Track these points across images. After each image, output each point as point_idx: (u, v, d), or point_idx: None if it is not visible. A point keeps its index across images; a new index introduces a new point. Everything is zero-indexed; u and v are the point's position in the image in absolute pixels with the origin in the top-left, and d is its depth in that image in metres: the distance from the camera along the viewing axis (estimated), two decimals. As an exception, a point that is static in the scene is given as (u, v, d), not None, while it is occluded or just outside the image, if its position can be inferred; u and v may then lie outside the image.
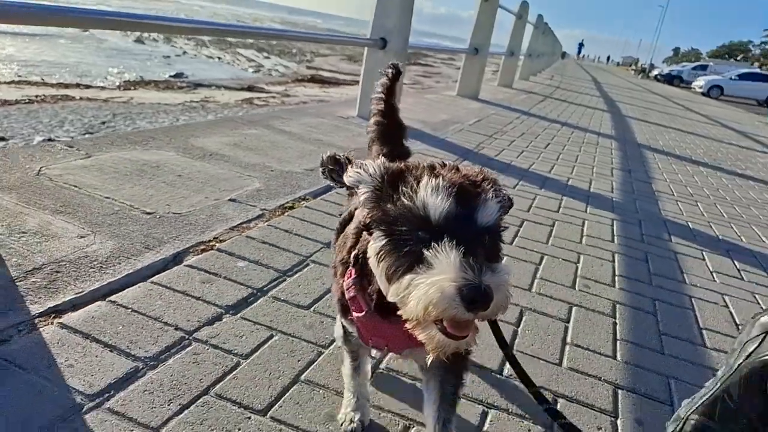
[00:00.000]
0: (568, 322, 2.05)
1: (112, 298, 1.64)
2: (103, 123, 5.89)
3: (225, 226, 2.25)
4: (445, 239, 0.79)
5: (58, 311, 1.53)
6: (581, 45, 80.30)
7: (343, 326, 1.21)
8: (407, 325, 0.83)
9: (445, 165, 0.93)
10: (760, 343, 1.26)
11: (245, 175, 2.92)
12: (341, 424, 1.29)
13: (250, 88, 10.52)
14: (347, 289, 1.06)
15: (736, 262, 3.09)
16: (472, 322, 0.80)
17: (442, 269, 0.76)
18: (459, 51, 8.70)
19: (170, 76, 10.72)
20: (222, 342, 1.53)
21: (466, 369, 1.15)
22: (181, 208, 2.33)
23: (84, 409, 1.22)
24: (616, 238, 3.13)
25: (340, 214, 1.33)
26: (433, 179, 0.85)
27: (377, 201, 0.90)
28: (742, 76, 31.76)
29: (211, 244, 2.08)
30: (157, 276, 1.80)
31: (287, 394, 1.39)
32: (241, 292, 1.80)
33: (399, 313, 0.83)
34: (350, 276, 1.05)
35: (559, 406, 1.55)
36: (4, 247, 1.78)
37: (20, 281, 1.62)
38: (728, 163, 6.86)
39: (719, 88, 30.93)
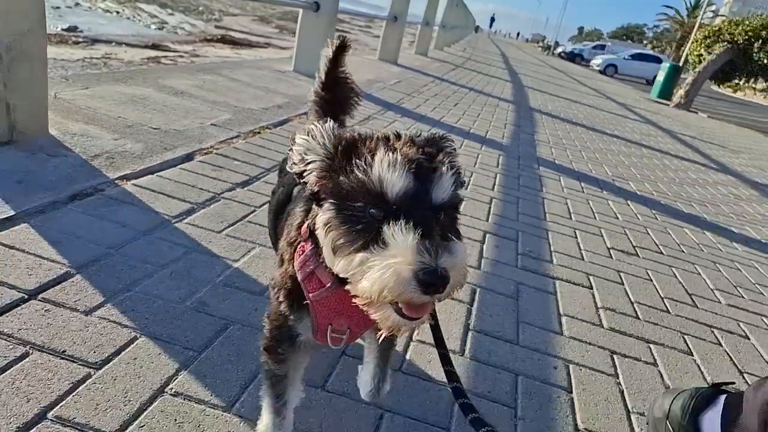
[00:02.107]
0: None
1: (159, 173, 2.48)
2: None
3: (215, 140, 3.10)
4: (402, 219, 0.79)
5: (126, 177, 2.35)
6: (492, 19, 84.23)
7: (288, 328, 1.08)
8: (357, 302, 0.83)
9: (399, 136, 0.92)
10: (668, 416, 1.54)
11: (215, 108, 3.73)
12: None
13: (154, 47, 9.97)
14: (302, 267, 0.99)
15: (582, 183, 4.43)
16: (429, 305, 0.81)
17: (398, 252, 0.76)
18: (380, 18, 9.65)
19: (63, 30, 9.59)
20: (241, 199, 2.44)
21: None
22: (177, 127, 3.13)
23: (173, 222, 2.10)
24: (499, 165, 4.34)
25: (273, 192, 1.41)
26: (390, 154, 0.83)
27: (328, 171, 0.88)
28: (634, 57, 35.70)
29: (209, 149, 2.94)
30: (181, 165, 2.64)
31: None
32: (242, 177, 2.70)
33: (347, 287, 0.84)
34: (302, 252, 1.00)
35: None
36: (65, 142, 2.52)
37: (91, 161, 2.41)
38: (602, 126, 8.51)
39: (614, 66, 34.59)
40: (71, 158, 2.40)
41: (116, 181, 2.30)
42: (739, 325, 2.52)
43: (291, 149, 0.93)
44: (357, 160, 0.84)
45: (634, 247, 3.23)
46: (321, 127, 0.90)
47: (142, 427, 1.21)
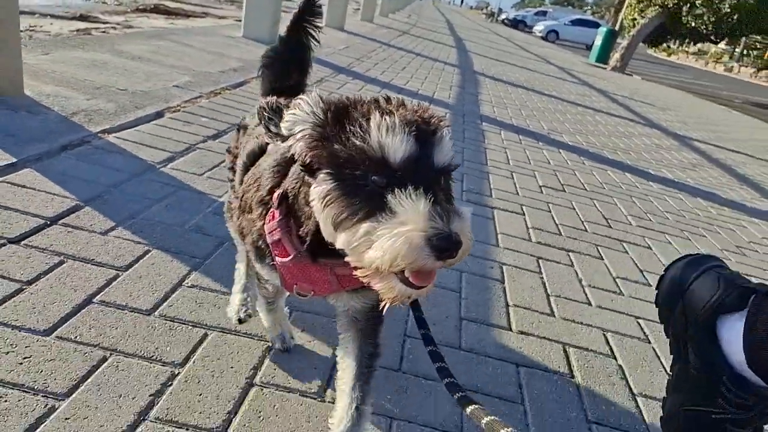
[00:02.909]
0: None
1: (136, 128, 2.74)
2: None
3: (180, 100, 3.35)
4: (409, 185, 0.77)
5: (107, 131, 2.61)
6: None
7: (257, 274, 1.19)
8: (357, 273, 0.82)
9: (389, 100, 0.89)
10: (684, 305, 1.28)
11: (174, 72, 3.95)
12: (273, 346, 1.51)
13: (83, 18, 9.46)
14: (270, 233, 1.01)
15: (520, 135, 4.94)
16: (435, 271, 0.80)
17: (409, 219, 0.75)
18: (323, -16, 9.77)
19: (-25, 1, 9.20)
20: (215, 149, 2.75)
21: (380, 334, 1.15)
22: (143, 89, 3.36)
23: (158, 167, 2.39)
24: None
25: (228, 151, 1.53)
26: (387, 117, 0.81)
27: (320, 139, 0.85)
28: (575, 22, 36.95)
29: (177, 108, 3.20)
30: (154, 121, 2.91)
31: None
32: (211, 131, 3.00)
33: (348, 259, 0.83)
34: (273, 218, 1.01)
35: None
36: (42, 102, 2.74)
37: (71, 118, 2.65)
38: (541, 87, 9.10)
39: (555, 32, 35.71)
40: (52, 115, 2.63)
41: (99, 135, 2.56)
42: (644, 240, 3.08)
43: (261, 114, 0.92)
44: (351, 126, 0.82)
45: (561, 184, 3.75)
46: (307, 98, 0.88)
47: (170, 306, 1.56)
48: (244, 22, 5.98)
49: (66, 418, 1.14)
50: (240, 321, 1.54)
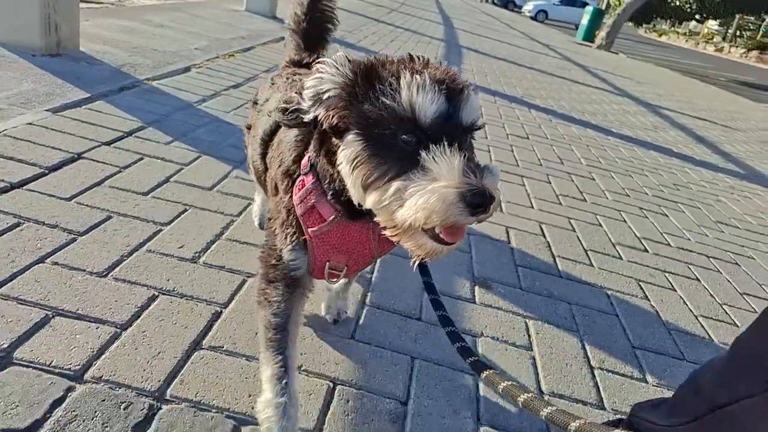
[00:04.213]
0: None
1: (172, 77, 3.38)
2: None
3: (202, 59, 3.99)
4: (442, 142, 0.79)
5: (151, 79, 3.25)
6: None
7: (283, 264, 1.07)
8: (387, 233, 0.84)
9: (413, 59, 0.91)
10: None
11: (193, 37, 4.58)
12: None
13: None
14: (302, 201, 1.00)
15: (495, 97, 5.62)
16: (465, 227, 0.81)
17: (443, 175, 0.76)
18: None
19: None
20: (236, 95, 3.40)
21: None
22: (171, 49, 3.99)
23: (195, 105, 3.05)
24: (430, 84, 5.42)
25: (248, 127, 1.56)
26: (417, 76, 0.82)
27: (349, 100, 0.85)
28: (563, 2, 37.33)
29: (200, 65, 3.84)
30: (184, 74, 3.55)
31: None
32: (232, 82, 3.64)
33: (377, 219, 0.85)
34: (302, 186, 1.00)
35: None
36: (95, 56, 3.36)
37: (120, 68, 3.28)
38: (522, 61, 9.74)
39: (545, 12, 36.11)
40: (105, 66, 3.27)
41: (144, 81, 3.20)
42: (590, 173, 3.78)
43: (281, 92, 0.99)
44: (380, 86, 0.83)
45: (527, 134, 4.44)
46: (333, 60, 0.88)
47: (225, 186, 2.24)
48: (246, -3, 6.59)
49: (130, 340, 1.81)
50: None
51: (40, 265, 1.51)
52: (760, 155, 6.31)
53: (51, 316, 1.35)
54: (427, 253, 0.83)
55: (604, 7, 22.05)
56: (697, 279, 2.51)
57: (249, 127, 1.56)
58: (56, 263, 1.53)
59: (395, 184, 0.79)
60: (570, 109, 6.11)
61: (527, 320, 1.85)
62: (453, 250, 0.84)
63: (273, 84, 1.50)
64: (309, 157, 1.01)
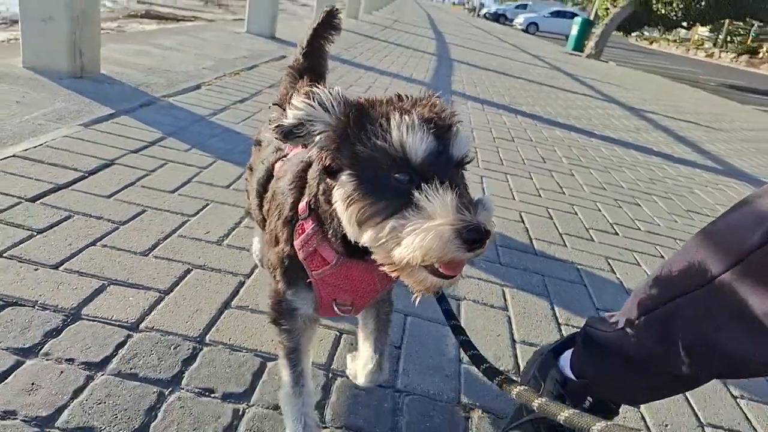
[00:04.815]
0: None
1: (185, 94, 3.71)
2: None
3: (210, 77, 4.33)
4: (433, 180, 0.81)
5: (166, 96, 3.58)
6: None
7: (288, 304, 1.14)
8: (386, 269, 0.85)
9: (402, 98, 0.94)
10: None
11: (200, 58, 4.93)
12: None
13: None
14: (304, 246, 1.03)
15: (483, 105, 5.96)
16: (464, 260, 0.82)
17: (438, 212, 0.78)
18: (311, -16, 10.76)
19: (-26, 12, 9.17)
20: (243, 108, 3.73)
21: (392, 293, 1.29)
22: (182, 69, 4.34)
23: (208, 118, 3.37)
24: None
25: (249, 168, 1.55)
26: (406, 116, 0.84)
27: (341, 141, 0.88)
28: (554, 14, 38.10)
29: (209, 82, 4.18)
30: (195, 91, 3.88)
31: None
32: (238, 98, 3.97)
33: (374, 257, 0.87)
34: (302, 232, 1.03)
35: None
36: (114, 77, 3.70)
37: (138, 87, 3.62)
38: (511, 72, 10.13)
39: (535, 24, 36.83)
40: (124, 86, 3.60)
41: (161, 98, 3.53)
42: (570, 170, 4.09)
43: (276, 119, 0.93)
44: (371, 127, 0.85)
45: (512, 137, 4.76)
46: (327, 92, 0.89)
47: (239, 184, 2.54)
48: (247, 20, 6.96)
49: (172, 301, 2.11)
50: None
51: (92, 247, 1.81)
52: (740, 153, 6.63)
53: (107, 284, 1.65)
54: (428, 288, 0.85)
55: (592, 18, 22.57)
56: (662, 257, 2.81)
57: (251, 168, 1.56)
58: (105, 245, 1.84)
59: (391, 223, 0.81)
60: (555, 114, 6.45)
61: (504, 288, 2.15)
62: (455, 283, 0.86)
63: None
64: (307, 201, 1.03)
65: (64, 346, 1.39)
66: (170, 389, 1.34)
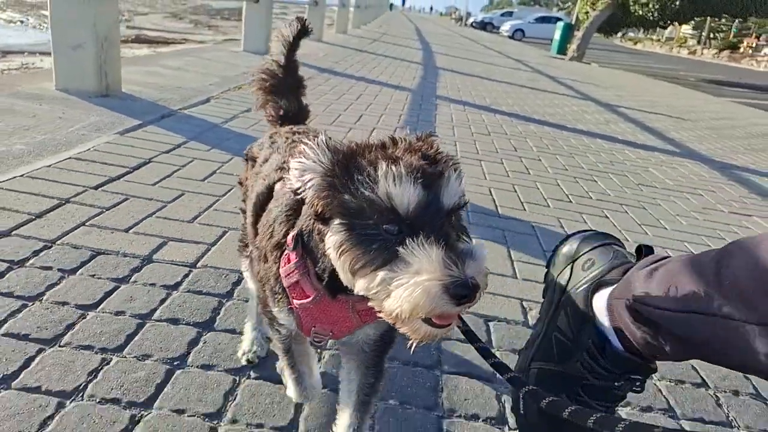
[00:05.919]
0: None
1: (198, 107, 4.30)
2: None
3: (217, 92, 4.93)
4: (421, 234, 0.80)
5: (182, 108, 4.16)
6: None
7: (273, 319, 1.17)
8: (383, 316, 0.85)
9: (395, 142, 0.94)
10: (571, 274, 1.32)
11: (206, 76, 5.54)
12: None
13: None
14: (286, 276, 1.04)
15: (465, 107, 6.57)
16: (455, 314, 0.83)
17: (424, 268, 0.78)
18: (302, 3, 11.44)
19: (-35, 45, 8.57)
20: (251, 117, 4.31)
21: (384, 360, 1.22)
22: (191, 86, 4.94)
23: (221, 125, 3.96)
24: (407, 100, 6.38)
25: (240, 183, 1.63)
26: (393, 167, 0.84)
27: (330, 189, 0.88)
28: (539, 20, 39.15)
29: (217, 96, 4.77)
30: (205, 104, 4.47)
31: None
32: (243, 108, 4.56)
33: (370, 304, 0.87)
34: (288, 261, 1.04)
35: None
36: (134, 94, 4.29)
37: (156, 102, 4.20)
38: (495, 76, 10.78)
39: (521, 31, 37.84)
40: (145, 102, 4.19)
41: (178, 110, 4.12)
42: (538, 156, 4.68)
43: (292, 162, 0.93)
44: (359, 176, 0.85)
45: (489, 132, 5.36)
46: (314, 144, 0.90)
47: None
48: (244, 39, 7.61)
49: (218, 250, 2.69)
50: (249, 362, 1.59)
51: (150, 218, 2.38)
52: (702, 138, 7.24)
53: (166, 241, 2.22)
54: (423, 337, 0.85)
55: (573, 22, 23.40)
56: (607, 217, 3.39)
57: (241, 183, 1.60)
58: (159, 217, 2.41)
59: (381, 274, 0.82)
60: (532, 112, 7.06)
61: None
62: (450, 330, 0.87)
63: (273, 143, 1.48)
64: (294, 235, 1.03)
65: (146, 277, 1.95)
66: (227, 300, 1.91)
